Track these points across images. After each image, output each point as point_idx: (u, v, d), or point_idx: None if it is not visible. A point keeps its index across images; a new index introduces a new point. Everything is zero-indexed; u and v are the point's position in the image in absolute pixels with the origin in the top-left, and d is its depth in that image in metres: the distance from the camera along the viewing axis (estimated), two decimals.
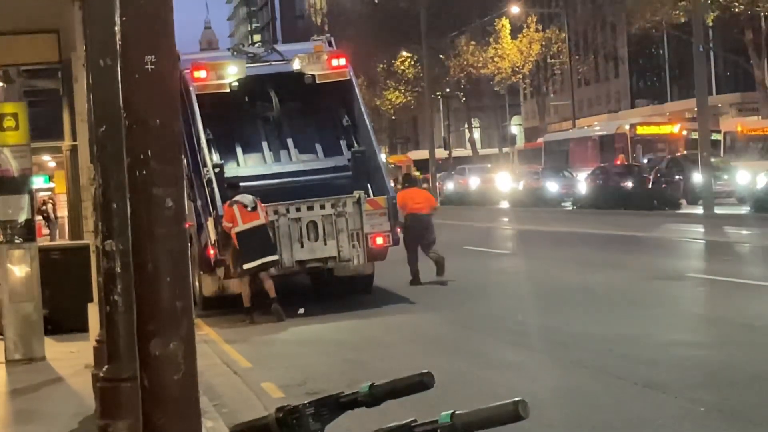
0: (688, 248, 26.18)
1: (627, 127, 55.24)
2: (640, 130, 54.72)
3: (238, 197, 16.90)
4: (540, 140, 76.19)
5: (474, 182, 65.09)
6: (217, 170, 17.81)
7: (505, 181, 60.63)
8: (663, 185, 43.19)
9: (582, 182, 49.89)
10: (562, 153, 62.25)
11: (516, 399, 2.42)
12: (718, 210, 36.04)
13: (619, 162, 51.68)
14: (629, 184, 44.91)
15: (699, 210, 36.72)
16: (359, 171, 18.83)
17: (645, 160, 50.79)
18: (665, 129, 54.98)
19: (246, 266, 16.75)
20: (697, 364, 11.52)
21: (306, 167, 19.28)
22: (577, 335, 13.79)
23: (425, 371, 2.67)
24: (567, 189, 52.22)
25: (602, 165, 51.91)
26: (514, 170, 64.44)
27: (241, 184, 17.96)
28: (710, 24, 52.04)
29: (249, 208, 16.77)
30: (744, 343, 12.72)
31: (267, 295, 17.05)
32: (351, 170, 18.99)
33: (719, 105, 56.63)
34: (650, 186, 43.59)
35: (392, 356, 13.34)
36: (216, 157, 18.26)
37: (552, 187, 53.55)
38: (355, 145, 19.15)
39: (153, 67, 3.86)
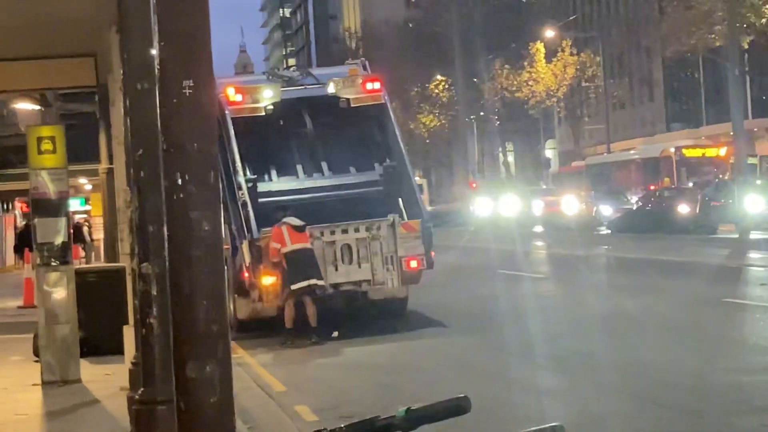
0: (724, 273, 25.98)
1: (672, 150, 53.96)
2: (687, 153, 53.44)
3: (287, 219, 16.96)
4: (575, 164, 75.95)
5: (537, 206, 61.28)
6: (250, 185, 17.92)
7: (573, 205, 58.51)
8: (710, 209, 42.16)
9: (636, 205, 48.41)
10: (605, 176, 61.19)
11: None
12: (754, 235, 35.75)
13: (663, 185, 50.60)
14: (683, 208, 43.84)
15: (735, 235, 36.46)
16: (391, 185, 18.91)
17: (690, 184, 49.65)
18: (711, 152, 53.78)
19: (294, 286, 16.78)
20: (734, 390, 11.42)
21: (338, 182, 19.35)
22: (613, 360, 13.70)
23: (462, 395, 2.66)
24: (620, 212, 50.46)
25: (652, 188, 51.29)
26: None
27: (273, 198, 18.06)
28: (746, 47, 51.78)
29: (297, 229, 16.83)
30: None
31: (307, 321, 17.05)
32: (382, 185, 19.07)
33: (755, 129, 56.20)
34: (698, 210, 42.76)
35: (426, 380, 13.30)
36: (249, 173, 18.33)
37: (606, 210, 52.41)
38: (388, 162, 19.23)
39: (191, 91, 3.89)
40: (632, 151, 63.05)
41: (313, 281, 16.83)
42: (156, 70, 4.28)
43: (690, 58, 65.23)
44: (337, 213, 18.42)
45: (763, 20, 48.38)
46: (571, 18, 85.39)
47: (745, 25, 47.49)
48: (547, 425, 2.55)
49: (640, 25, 76.44)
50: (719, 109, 67.99)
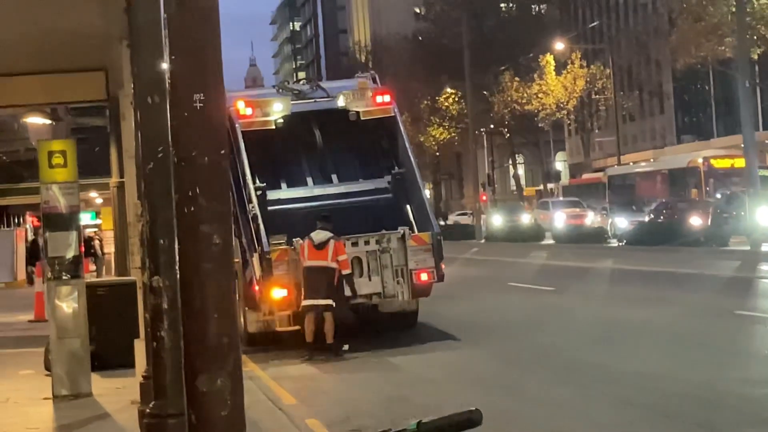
0: (735, 285, 25.92)
1: (700, 160, 51.45)
2: (715, 163, 51.00)
3: (313, 234, 16.93)
4: (586, 176, 75.91)
5: (559, 218, 59.59)
6: (259, 193, 17.95)
7: (591, 218, 56.97)
8: (722, 221, 41.95)
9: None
10: (628, 188, 59.11)
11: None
12: (766, 247, 35.68)
13: (692, 197, 48.98)
14: (695, 220, 43.50)
15: (747, 247, 36.39)
16: (399, 193, 18.95)
17: (718, 195, 47.65)
18: (740, 162, 49.93)
19: (303, 303, 16.81)
20: (746, 402, 11.38)
21: (347, 189, 19.40)
22: (624, 372, 13.68)
23: (473, 408, 2.66)
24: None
25: (663, 200, 50.91)
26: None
27: (283, 206, 18.07)
28: (756, 59, 51.77)
29: (316, 247, 16.80)
30: None
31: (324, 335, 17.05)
32: (391, 192, 19.11)
33: (766, 141, 56.08)
34: (710, 222, 42.60)
35: (437, 393, 13.29)
36: (258, 182, 18.35)
37: (621, 222, 51.85)
38: (397, 170, 19.30)
39: (201, 105, 3.91)
40: (657, 162, 61.15)
41: (319, 301, 16.78)
42: (167, 84, 4.30)
43: (700, 70, 65.26)
44: (346, 220, 18.49)
45: None
46: (580, 30, 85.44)
47: (755, 37, 47.53)
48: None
49: (650, 38, 76.53)
50: (729, 121, 68.00)
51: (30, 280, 31.69)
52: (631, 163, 70.37)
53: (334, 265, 16.85)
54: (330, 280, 16.86)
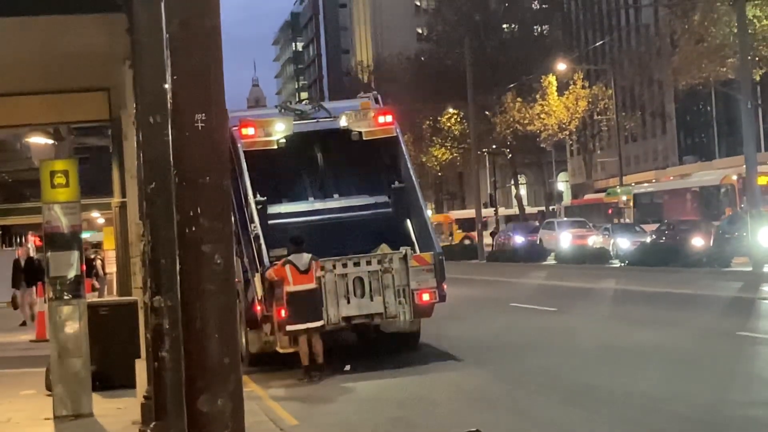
0: (737, 306, 25.87)
1: (735, 177, 48.76)
2: None
3: (292, 257, 16.87)
4: (588, 196, 75.90)
5: (565, 239, 58.56)
6: (259, 207, 17.95)
7: (596, 239, 55.64)
8: (724, 242, 41.76)
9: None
10: (656, 206, 57.24)
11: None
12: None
13: (727, 216, 46.56)
14: (697, 240, 43.20)
15: (749, 268, 36.34)
16: (400, 207, 18.99)
17: None
18: None
19: (290, 328, 16.75)
20: (749, 424, 11.35)
21: (347, 204, 19.44)
22: (628, 394, 13.64)
23: (474, 429, 2.66)
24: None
25: (667, 221, 50.49)
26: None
27: (283, 220, 18.05)
28: (758, 80, 51.83)
29: (301, 270, 16.76)
30: None
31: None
32: (391, 207, 19.15)
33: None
34: (712, 243, 42.45)
35: (439, 414, 13.25)
36: (259, 197, 18.35)
37: (623, 243, 51.11)
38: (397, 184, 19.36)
39: (203, 125, 3.91)
40: (687, 179, 58.30)
41: (310, 324, 16.75)
42: (168, 104, 4.29)
43: (702, 91, 65.35)
44: (346, 235, 18.52)
45: None
46: (582, 51, 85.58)
47: (756, 58, 47.62)
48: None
49: (652, 58, 76.62)
50: (732, 141, 68.04)
51: (15, 305, 30.90)
52: (654, 180, 69.83)
53: (317, 285, 16.87)
54: (317, 301, 16.86)
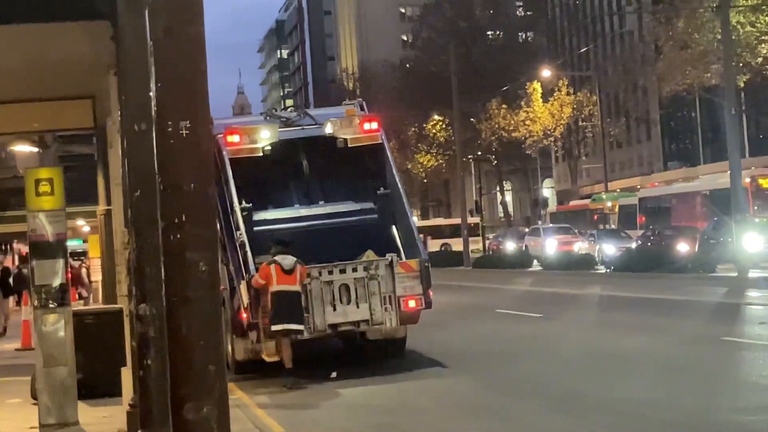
0: (722, 312, 25.94)
1: (747, 179, 46.08)
2: (764, 183, 47.18)
3: (278, 257, 16.94)
4: (573, 202, 76.04)
5: (550, 245, 58.61)
6: (245, 214, 17.95)
7: (582, 245, 55.37)
8: (709, 248, 41.84)
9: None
10: (663, 210, 55.74)
11: None
12: (753, 273, 35.75)
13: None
14: (682, 246, 43.24)
15: (734, 273, 36.45)
16: (385, 214, 19.03)
17: (765, 219, 43.93)
18: None
19: (273, 327, 16.77)
20: (735, 430, 11.37)
21: (332, 210, 19.48)
22: (613, 400, 13.66)
23: None
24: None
25: (651, 227, 50.47)
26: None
27: (269, 227, 18.07)
28: (742, 87, 52.03)
29: (286, 271, 16.80)
30: None
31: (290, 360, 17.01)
32: (377, 213, 19.19)
33: (752, 167, 56.22)
34: (697, 249, 42.54)
35: (426, 421, 13.25)
36: (244, 203, 18.36)
37: (609, 249, 51.17)
38: (382, 191, 19.40)
39: (188, 132, 3.90)
40: (696, 182, 56.77)
41: (291, 326, 16.77)
42: (153, 112, 4.29)
43: (686, 98, 65.61)
44: (331, 241, 18.53)
45: (759, 59, 48.76)
46: (567, 58, 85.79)
47: (740, 64, 47.80)
48: None
49: (637, 65, 76.87)
50: (716, 147, 68.29)
51: None
52: (639, 187, 69.82)
53: (300, 288, 16.89)
54: (299, 305, 16.87)
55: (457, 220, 75.15)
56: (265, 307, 16.88)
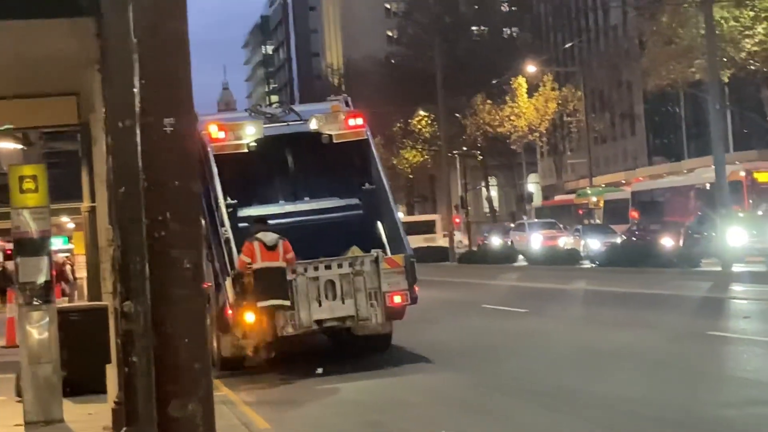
0: (707, 306, 26.03)
1: (742, 173, 47.21)
2: (759, 177, 47.24)
3: (260, 234, 17.04)
4: (558, 197, 76.15)
5: (536, 240, 58.60)
6: (230, 210, 17.98)
7: (566, 240, 55.76)
8: (693, 242, 41.91)
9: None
10: (656, 204, 55.25)
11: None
12: (737, 267, 35.88)
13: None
14: (667, 241, 43.28)
15: (718, 267, 36.57)
16: (371, 210, 19.06)
17: (760, 212, 43.70)
18: None
19: (260, 304, 16.82)
20: (721, 424, 11.40)
21: (318, 206, 19.50)
22: (598, 395, 13.68)
23: None
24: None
25: (636, 222, 50.50)
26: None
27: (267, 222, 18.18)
28: (726, 81, 52.15)
29: (269, 248, 16.90)
30: None
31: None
32: (362, 209, 19.20)
33: (736, 162, 56.33)
34: (681, 243, 42.60)
35: (411, 417, 13.25)
36: (229, 200, 18.36)
37: (594, 244, 50.93)
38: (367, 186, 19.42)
39: (172, 129, 3.90)
40: (690, 175, 55.91)
41: (278, 302, 16.84)
42: (137, 108, 4.28)
43: (671, 93, 65.70)
44: (317, 237, 18.54)
45: (743, 54, 48.87)
46: (552, 53, 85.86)
47: (724, 59, 47.89)
48: None
49: (621, 60, 77.01)
50: (700, 142, 68.44)
51: None
52: (623, 182, 69.90)
53: (284, 264, 16.94)
54: (283, 280, 16.92)
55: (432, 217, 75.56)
56: (248, 288, 16.97)
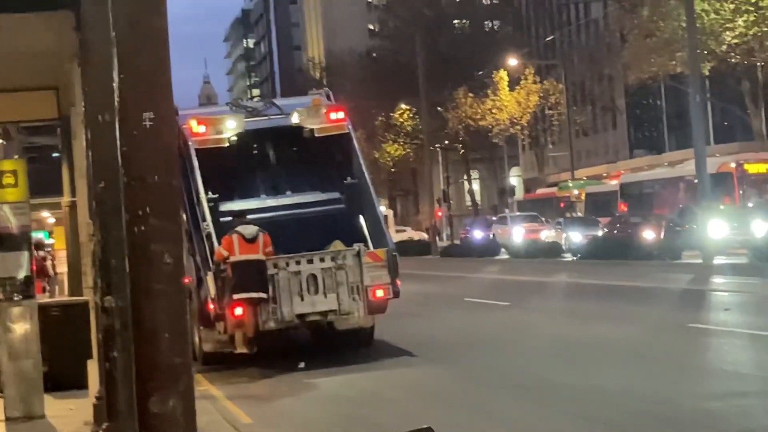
0: (688, 299, 26.10)
1: (733, 164, 47.01)
2: (749, 169, 46.74)
3: (239, 227, 17.05)
4: (540, 191, 76.25)
5: (518, 233, 58.36)
6: (211, 204, 17.95)
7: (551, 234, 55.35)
8: (675, 235, 41.99)
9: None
10: (646, 196, 54.74)
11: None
12: (718, 260, 36.01)
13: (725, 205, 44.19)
14: (648, 234, 43.32)
15: (699, 260, 36.69)
16: (352, 204, 19.09)
17: (750, 204, 43.97)
18: None
19: (236, 296, 16.78)
20: (704, 416, 11.43)
21: (299, 200, 19.46)
22: (580, 388, 13.70)
23: (426, 426, 2.65)
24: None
25: (617, 215, 50.57)
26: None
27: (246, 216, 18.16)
28: (707, 74, 52.29)
29: (248, 240, 16.88)
30: (752, 393, 12.64)
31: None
32: (344, 203, 19.18)
33: (717, 154, 56.47)
34: (662, 236, 42.70)
35: (394, 411, 13.25)
36: (210, 194, 18.32)
37: (575, 237, 50.94)
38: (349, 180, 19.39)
39: (151, 123, 3.88)
40: (680, 167, 54.63)
41: (254, 294, 16.82)
42: (116, 103, 4.26)
43: (652, 86, 65.83)
44: (299, 231, 18.51)
45: (723, 47, 49.00)
46: (533, 46, 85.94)
47: (705, 52, 48.02)
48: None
49: (602, 54, 77.11)
50: (681, 135, 68.60)
51: None
52: (605, 175, 69.99)
53: (263, 257, 16.92)
54: (262, 273, 16.90)
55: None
56: (228, 278, 16.96)
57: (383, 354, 18.49)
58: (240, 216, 17.66)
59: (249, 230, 17.07)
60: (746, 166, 46.82)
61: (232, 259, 16.87)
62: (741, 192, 45.87)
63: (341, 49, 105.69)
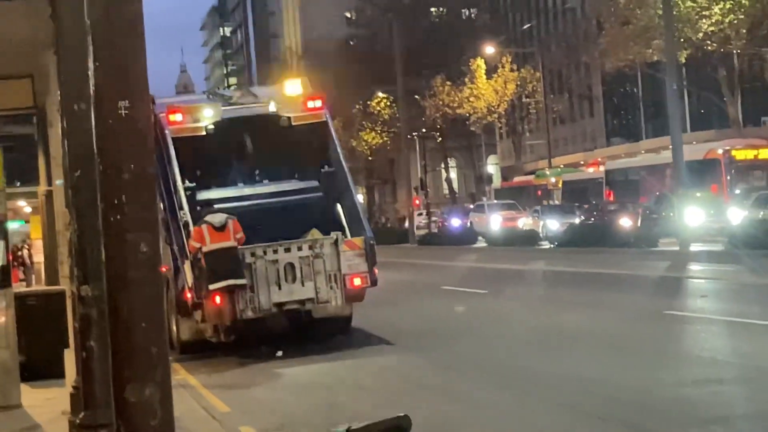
0: (664, 286, 26.21)
1: (720, 151, 46.63)
2: (737, 155, 46.40)
3: (207, 217, 16.99)
4: (517, 179, 76.35)
5: (495, 221, 58.55)
6: (188, 193, 17.89)
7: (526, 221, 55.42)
8: (651, 223, 42.11)
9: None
10: (631, 183, 54.14)
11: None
12: (694, 247, 36.17)
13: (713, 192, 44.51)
14: (625, 221, 43.40)
15: (676, 247, 36.85)
16: (330, 192, 19.07)
17: (737, 191, 43.84)
18: (766, 153, 46.94)
19: (212, 287, 16.72)
20: (679, 403, 11.49)
21: (276, 189, 19.42)
22: (557, 375, 13.74)
23: (402, 414, 2.66)
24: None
25: (594, 203, 50.58)
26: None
27: (214, 206, 18.12)
28: (683, 62, 52.45)
29: (217, 228, 16.81)
30: (728, 380, 12.71)
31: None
32: (321, 191, 19.16)
33: (694, 142, 56.59)
34: (639, 224, 42.84)
35: (372, 399, 13.27)
36: (188, 183, 18.27)
37: (552, 225, 51.24)
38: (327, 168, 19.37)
39: (127, 112, 3.87)
40: (666, 154, 51.66)
41: (231, 282, 16.79)
42: (92, 92, 4.24)
43: (629, 73, 66.05)
44: (276, 219, 18.48)
45: (700, 34, 49.16)
46: (510, 34, 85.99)
47: (681, 39, 48.17)
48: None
49: (579, 41, 77.22)
50: (658, 123, 68.85)
51: None
52: (582, 162, 70.14)
53: (235, 243, 16.89)
54: (237, 260, 16.87)
55: None
56: (201, 269, 16.90)
57: (361, 342, 18.51)
58: (207, 205, 17.56)
59: (218, 218, 16.98)
60: (733, 153, 46.44)
61: (205, 249, 16.81)
62: (728, 178, 45.61)
63: (318, 37, 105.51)
